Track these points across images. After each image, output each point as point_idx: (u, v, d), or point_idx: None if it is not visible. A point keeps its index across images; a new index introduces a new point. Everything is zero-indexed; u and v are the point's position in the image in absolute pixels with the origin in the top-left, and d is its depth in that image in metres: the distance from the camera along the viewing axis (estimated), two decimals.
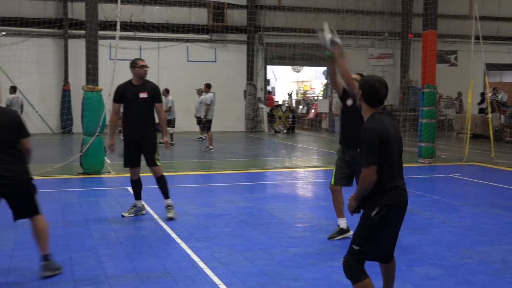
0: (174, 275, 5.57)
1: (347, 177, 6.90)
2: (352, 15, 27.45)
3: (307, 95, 35.84)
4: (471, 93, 15.67)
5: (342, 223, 7.04)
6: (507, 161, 15.25)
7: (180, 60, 25.50)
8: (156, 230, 7.42)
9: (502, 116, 23.01)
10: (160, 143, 8.14)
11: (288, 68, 33.36)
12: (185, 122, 23.15)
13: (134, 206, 8.23)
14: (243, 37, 26.55)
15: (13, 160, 5.33)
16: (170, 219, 7.94)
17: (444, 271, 5.73)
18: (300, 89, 37.99)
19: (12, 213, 5.55)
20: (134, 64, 7.93)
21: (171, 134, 18.51)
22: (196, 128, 21.23)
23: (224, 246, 6.65)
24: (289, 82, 37.28)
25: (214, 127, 18.07)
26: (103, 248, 6.53)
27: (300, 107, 30.93)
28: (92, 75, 13.07)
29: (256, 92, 27.00)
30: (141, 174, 8.21)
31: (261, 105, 27.09)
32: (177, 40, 25.51)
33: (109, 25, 21.36)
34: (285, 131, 25.73)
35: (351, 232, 6.91)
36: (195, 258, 6.16)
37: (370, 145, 4.08)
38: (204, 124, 17.96)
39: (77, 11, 23.84)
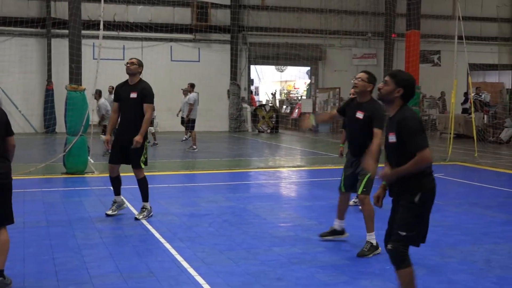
0: (158, 275, 5.55)
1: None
2: (335, 15, 27.54)
3: (290, 95, 35.91)
4: (454, 93, 15.79)
5: (338, 225, 6.94)
6: (490, 161, 15.40)
7: (163, 60, 25.40)
8: (140, 230, 7.38)
9: (485, 116, 23.23)
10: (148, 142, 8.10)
11: (272, 67, 33.42)
12: (168, 121, 23.07)
13: (115, 202, 8.23)
14: (227, 36, 26.52)
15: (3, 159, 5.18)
16: (136, 219, 7.89)
17: (427, 270, 5.76)
18: (283, 89, 38.06)
19: None
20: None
21: (153, 134, 18.46)
22: (181, 128, 21.14)
23: (208, 245, 6.63)
24: (273, 81, 37.34)
25: (197, 127, 18.04)
26: (86, 248, 6.48)
27: (284, 106, 30.99)
28: (75, 74, 12.96)
29: (240, 91, 27.00)
30: (129, 174, 8.19)
31: (245, 105, 27.08)
32: (160, 39, 25.42)
33: (93, 25, 21.23)
34: (268, 130, 25.75)
35: (346, 235, 6.92)
36: (179, 257, 6.13)
37: (419, 130, 4.27)
38: (187, 123, 17.89)
39: (60, 10, 23.67)
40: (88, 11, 22.68)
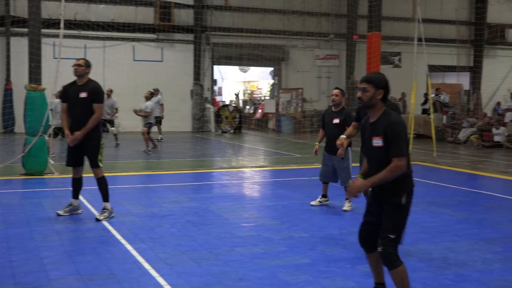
0: (119, 277, 5.49)
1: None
2: (298, 16, 27.73)
3: (254, 95, 35.99)
4: (414, 94, 16.05)
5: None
6: (448, 161, 15.72)
7: (126, 60, 25.16)
8: (100, 231, 7.29)
9: (444, 117, 23.71)
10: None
11: (235, 68, 33.43)
12: (131, 122, 22.84)
13: (70, 204, 8.17)
14: (190, 36, 26.42)
15: None
16: (96, 220, 7.83)
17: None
18: (247, 89, 38.10)
19: None
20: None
21: (115, 135, 18.25)
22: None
23: (170, 246, 6.60)
24: (236, 82, 37.34)
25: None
26: (45, 250, 6.37)
27: (247, 107, 31.04)
28: (35, 74, 12.75)
29: (203, 92, 26.92)
30: (90, 175, 8.09)
31: (208, 105, 27.02)
32: (123, 39, 25.15)
33: (53, 23, 20.90)
34: (232, 131, 25.75)
35: None
36: (140, 259, 6.08)
37: (404, 137, 4.37)
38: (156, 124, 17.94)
39: (20, 8, 23.19)
40: (49, 10, 22.29)
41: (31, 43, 12.99)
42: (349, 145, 8.72)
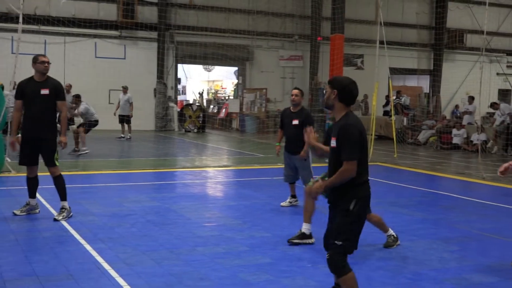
0: (77, 277, 5.41)
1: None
2: (263, 16, 27.78)
3: (218, 95, 35.92)
4: (375, 96, 16.27)
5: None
6: (408, 162, 15.98)
7: (87, 56, 24.76)
8: (59, 231, 7.17)
9: (405, 119, 24.09)
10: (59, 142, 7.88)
11: (199, 67, 33.30)
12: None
13: (27, 204, 8.02)
14: (154, 34, 26.18)
15: None
16: (55, 220, 7.69)
17: None
18: (211, 89, 38.01)
19: None
20: (35, 60, 7.73)
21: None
22: (109, 126, 20.77)
23: (130, 246, 6.53)
24: (200, 81, 37.21)
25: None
26: (0, 251, 6.22)
27: (211, 106, 30.96)
28: None
29: (167, 90, 26.73)
30: (45, 174, 7.95)
31: (172, 104, 26.85)
32: (84, 35, 24.76)
33: (11, 18, 20.46)
34: (195, 130, 25.64)
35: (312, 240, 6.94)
36: (99, 259, 6.00)
37: (354, 141, 4.33)
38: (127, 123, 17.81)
39: None
40: (7, 3, 21.81)
41: None
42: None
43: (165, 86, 26.62)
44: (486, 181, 12.63)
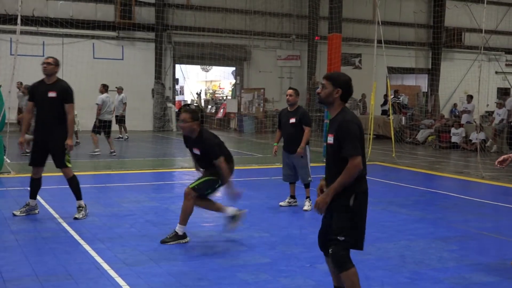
0: (76, 278, 5.41)
1: None
2: (260, 16, 27.79)
3: (216, 95, 35.90)
4: (373, 95, 16.28)
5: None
6: (407, 161, 15.99)
7: (85, 57, 24.75)
8: (58, 232, 7.17)
9: (403, 118, 24.10)
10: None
11: (197, 67, 33.28)
12: (90, 120, 22.50)
13: (27, 204, 8.04)
14: (151, 35, 26.20)
15: None
16: (75, 219, 7.78)
17: None
18: (209, 89, 37.99)
19: None
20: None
21: (76, 132, 17.99)
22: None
23: (129, 246, 6.54)
24: (198, 81, 37.19)
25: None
26: (0, 251, 6.23)
27: (209, 106, 30.95)
28: None
29: (165, 91, 26.74)
30: (48, 174, 7.98)
31: (170, 104, 26.85)
32: (82, 36, 24.78)
33: (10, 19, 20.45)
34: None
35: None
36: (99, 259, 6.01)
37: (356, 136, 4.30)
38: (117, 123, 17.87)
39: None
40: (5, 5, 21.86)
41: None
42: (307, 143, 8.88)
43: (163, 86, 26.62)
44: (485, 180, 12.64)
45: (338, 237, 4.33)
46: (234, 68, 30.32)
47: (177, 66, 28.23)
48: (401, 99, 26.04)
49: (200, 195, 6.87)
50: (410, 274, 5.81)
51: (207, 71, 34.52)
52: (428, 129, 22.37)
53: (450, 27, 31.42)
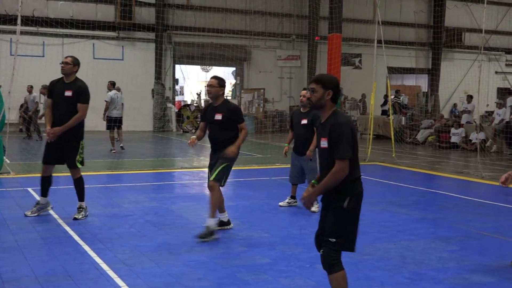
0: (76, 278, 5.40)
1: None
2: (260, 17, 27.79)
3: None
4: (373, 95, 16.27)
5: (224, 217, 7.58)
6: (407, 161, 15.98)
7: (85, 57, 24.58)
8: (58, 232, 7.16)
9: (403, 118, 24.09)
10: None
11: (197, 67, 33.29)
12: (91, 121, 22.46)
13: (38, 203, 8.03)
14: (151, 35, 26.21)
15: None
16: (75, 219, 7.78)
17: (345, 267, 5.80)
18: None
19: None
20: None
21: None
22: (103, 128, 20.73)
23: (129, 247, 6.53)
24: (198, 81, 37.19)
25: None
26: None
27: None
28: None
29: (165, 91, 26.74)
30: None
31: (170, 105, 26.86)
32: (82, 36, 24.78)
33: (10, 19, 20.45)
34: (193, 130, 25.64)
35: (231, 225, 7.51)
36: (98, 260, 6.00)
37: (348, 140, 4.25)
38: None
39: None
40: (5, 5, 21.86)
41: None
42: (318, 146, 8.82)
43: (163, 86, 26.62)
44: (485, 180, 12.63)
45: (330, 239, 4.32)
46: (234, 68, 30.33)
47: (177, 66, 28.25)
48: (401, 99, 26.03)
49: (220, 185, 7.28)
50: (410, 274, 5.80)
51: (207, 71, 34.51)
52: (428, 129, 22.36)
53: (450, 27, 31.41)
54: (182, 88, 34.35)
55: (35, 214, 7.93)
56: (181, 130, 25.84)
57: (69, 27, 24.23)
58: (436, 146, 20.82)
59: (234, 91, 30.96)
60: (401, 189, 11.64)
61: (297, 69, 29.33)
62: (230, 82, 34.26)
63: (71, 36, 24.49)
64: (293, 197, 9.30)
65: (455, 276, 5.78)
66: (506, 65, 33.20)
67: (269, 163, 14.79)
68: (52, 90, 7.87)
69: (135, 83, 25.20)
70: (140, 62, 25.96)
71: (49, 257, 6.07)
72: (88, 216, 8.02)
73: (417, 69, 31.72)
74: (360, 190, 4.41)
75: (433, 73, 31.33)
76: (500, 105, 20.05)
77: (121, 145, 17.09)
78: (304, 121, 8.78)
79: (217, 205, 7.15)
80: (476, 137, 18.83)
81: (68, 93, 7.69)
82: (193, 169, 13.83)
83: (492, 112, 22.79)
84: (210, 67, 32.81)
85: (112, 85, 17.10)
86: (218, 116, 7.23)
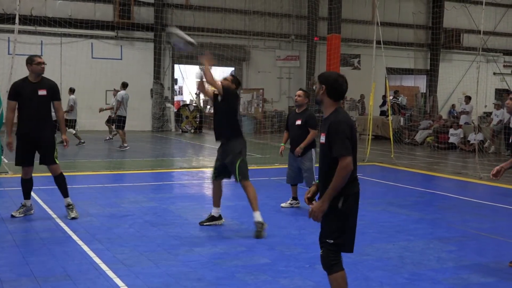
0: (74, 278, 5.40)
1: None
2: (259, 17, 27.78)
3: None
4: (372, 96, 16.28)
5: (215, 212, 7.87)
6: (405, 162, 15.99)
7: (83, 57, 24.75)
8: (56, 232, 7.15)
9: (402, 119, 24.11)
10: (61, 142, 7.93)
11: (196, 67, 33.20)
12: (89, 120, 22.52)
13: (24, 205, 8.02)
14: (150, 35, 26.18)
15: None
16: (73, 219, 7.77)
17: (344, 267, 5.87)
18: (208, 89, 37.92)
19: None
20: (30, 61, 7.72)
21: (76, 134, 18.06)
22: (103, 127, 20.75)
23: (128, 247, 6.52)
24: (197, 81, 37.12)
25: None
26: None
27: (208, 106, 30.92)
28: None
29: (163, 91, 26.72)
30: (44, 175, 7.97)
31: (168, 105, 26.84)
32: (80, 36, 24.74)
33: (8, 18, 20.43)
34: (192, 130, 25.63)
35: (222, 221, 7.83)
36: (97, 260, 5.99)
37: (346, 136, 4.24)
38: (115, 122, 17.87)
39: None
40: (3, 4, 21.84)
41: None
42: (313, 146, 8.87)
43: (162, 86, 26.60)
44: (483, 181, 12.64)
45: (327, 240, 4.32)
46: (233, 68, 30.29)
47: (176, 66, 28.23)
48: (400, 99, 26.05)
49: (219, 181, 7.78)
50: (409, 274, 5.81)
51: None
52: (427, 130, 22.38)
53: (448, 28, 31.44)
54: (181, 88, 34.32)
55: (22, 215, 7.93)
56: (180, 130, 25.82)
57: (67, 26, 24.19)
58: (434, 147, 20.83)
59: None
60: (399, 189, 11.65)
61: (296, 69, 29.33)
62: None
63: (69, 35, 24.45)
64: (294, 198, 9.30)
65: (454, 276, 5.79)
66: (504, 66, 33.23)
67: (268, 163, 14.79)
68: (20, 91, 7.71)
69: (133, 83, 25.05)
70: (138, 62, 25.93)
71: (48, 257, 6.06)
72: (87, 216, 8.01)
73: (416, 70, 31.73)
74: (356, 190, 4.38)
75: (432, 74, 31.35)
76: (498, 106, 20.07)
77: (123, 145, 17.15)
78: (299, 122, 8.85)
79: (255, 198, 7.41)
80: (474, 138, 18.85)
81: (42, 92, 7.65)
82: (192, 169, 13.82)
83: (490, 113, 22.81)
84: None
85: (123, 86, 17.70)
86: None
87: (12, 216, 7.88)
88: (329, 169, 4.28)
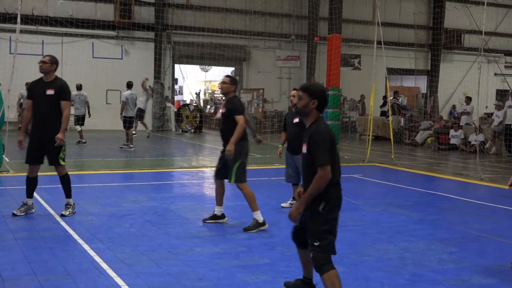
0: (75, 277, 5.40)
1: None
2: (260, 17, 27.79)
3: (215, 95, 35.86)
4: (373, 96, 16.28)
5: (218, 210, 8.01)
6: (406, 162, 15.99)
7: (84, 56, 24.77)
8: (57, 231, 7.16)
9: (402, 119, 24.11)
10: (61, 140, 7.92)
11: (197, 67, 33.28)
12: (90, 119, 22.46)
13: (25, 204, 8.04)
14: (151, 34, 26.19)
15: None
16: (62, 215, 7.85)
17: (345, 268, 5.90)
18: (208, 89, 37.96)
19: None
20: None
21: (80, 132, 18.17)
22: (103, 127, 20.76)
23: (128, 246, 6.52)
24: (198, 81, 37.17)
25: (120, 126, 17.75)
26: None
27: (208, 106, 30.94)
28: None
29: (164, 90, 26.72)
30: (46, 174, 7.98)
31: (169, 104, 26.84)
32: (81, 35, 24.76)
33: (9, 18, 20.44)
34: (192, 130, 25.64)
35: (226, 219, 7.95)
36: (98, 259, 5.99)
37: (326, 146, 4.36)
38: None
39: None
40: (5, 4, 21.84)
41: None
42: None
43: (162, 86, 26.60)
44: (484, 182, 12.64)
45: (314, 243, 4.44)
46: (233, 68, 30.29)
47: (176, 66, 28.23)
48: (400, 100, 26.04)
49: (221, 180, 7.84)
50: (410, 275, 5.80)
51: (206, 71, 34.49)
52: (427, 131, 22.37)
53: (449, 29, 31.43)
54: (181, 87, 34.33)
55: (23, 214, 7.95)
56: (180, 130, 25.82)
57: (69, 26, 24.21)
58: (435, 147, 20.82)
59: None
60: (400, 190, 11.64)
61: (296, 69, 29.33)
62: None
63: (70, 35, 24.47)
64: (295, 198, 9.29)
65: (455, 277, 5.78)
66: (505, 67, 33.23)
67: (268, 163, 14.79)
68: (33, 90, 7.89)
69: (134, 82, 25.13)
70: (139, 62, 25.93)
71: (49, 256, 6.07)
72: (87, 215, 8.02)
73: (416, 70, 31.74)
74: (338, 195, 4.52)
75: (432, 75, 31.33)
76: (499, 107, 20.06)
77: (128, 144, 17.15)
78: (296, 120, 8.80)
79: (253, 199, 7.55)
80: (475, 138, 18.85)
81: (50, 92, 7.72)
82: (192, 168, 13.82)
83: (491, 114, 22.80)
84: (209, 67, 32.80)
85: (127, 86, 17.77)
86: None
87: (14, 214, 7.89)
88: (312, 177, 4.42)
